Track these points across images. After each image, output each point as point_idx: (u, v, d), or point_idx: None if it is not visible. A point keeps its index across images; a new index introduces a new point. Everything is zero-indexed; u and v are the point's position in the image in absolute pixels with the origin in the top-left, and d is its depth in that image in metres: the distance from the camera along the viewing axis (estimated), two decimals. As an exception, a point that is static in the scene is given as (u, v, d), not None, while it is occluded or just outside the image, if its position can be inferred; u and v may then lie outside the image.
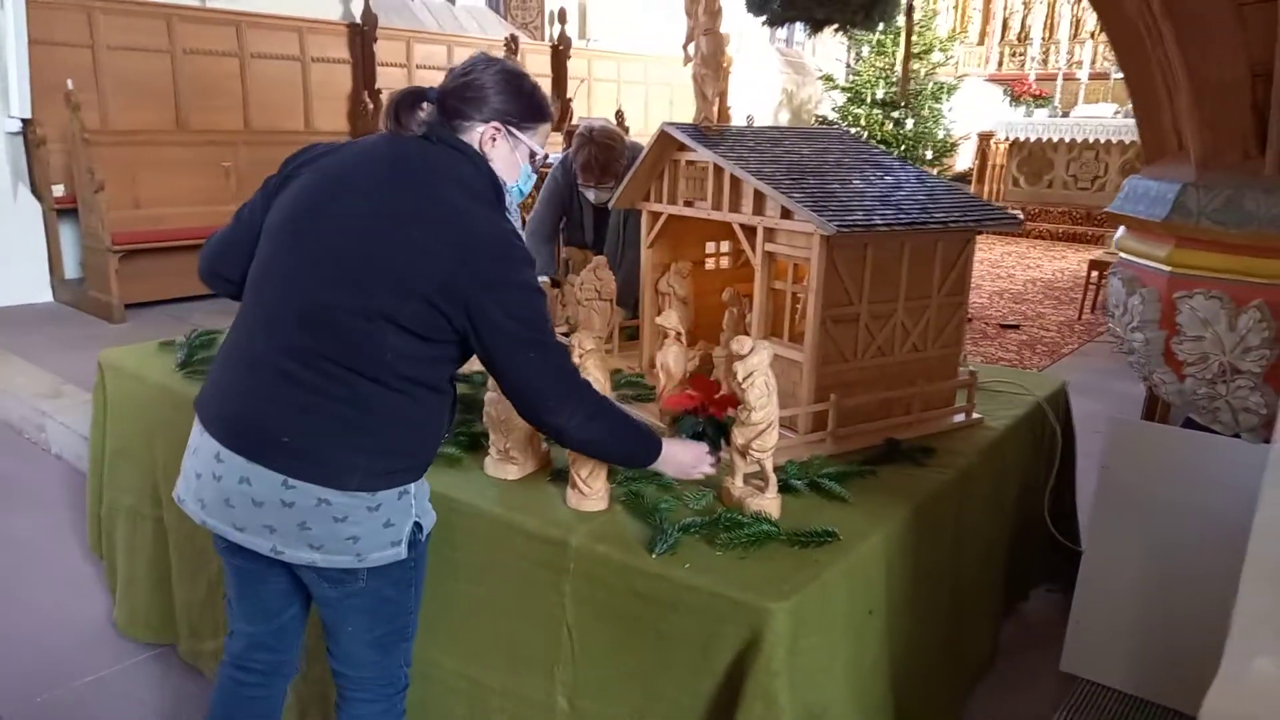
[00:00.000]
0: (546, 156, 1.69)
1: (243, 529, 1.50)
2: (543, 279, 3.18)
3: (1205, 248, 1.83)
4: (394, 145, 1.54)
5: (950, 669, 2.13)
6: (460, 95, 1.55)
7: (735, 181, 2.22)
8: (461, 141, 1.54)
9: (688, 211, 2.41)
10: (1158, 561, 2.25)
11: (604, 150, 3.03)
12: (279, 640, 1.74)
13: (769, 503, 1.69)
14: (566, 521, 1.70)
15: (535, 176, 1.68)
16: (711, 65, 2.25)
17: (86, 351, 3.18)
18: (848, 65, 13.75)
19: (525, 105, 1.59)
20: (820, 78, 13.14)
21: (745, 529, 1.61)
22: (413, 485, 1.56)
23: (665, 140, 2.39)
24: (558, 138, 7.51)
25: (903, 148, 12.26)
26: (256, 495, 1.46)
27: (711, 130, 2.29)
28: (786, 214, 2.07)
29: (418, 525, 1.57)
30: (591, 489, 1.74)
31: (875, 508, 1.79)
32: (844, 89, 12.80)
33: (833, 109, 12.96)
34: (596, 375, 1.70)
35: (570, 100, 9.20)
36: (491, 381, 1.87)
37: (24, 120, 6.23)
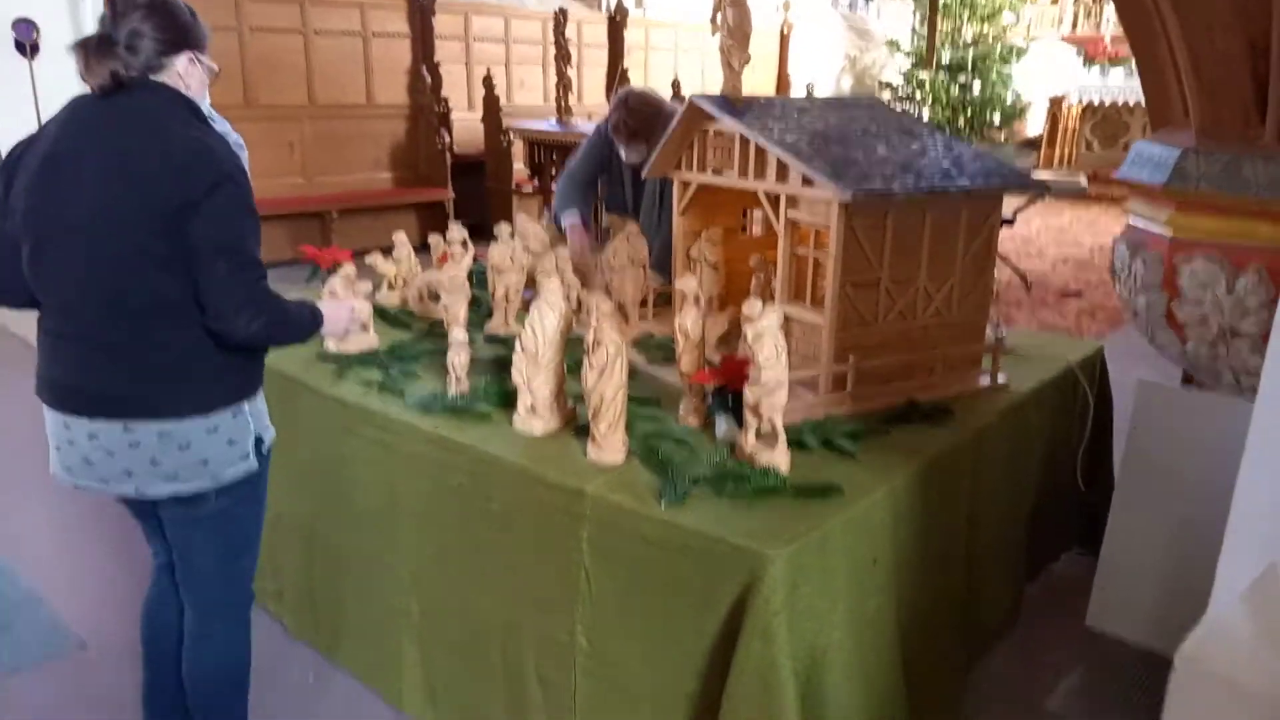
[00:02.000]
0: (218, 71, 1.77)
1: (107, 481, 1.69)
2: (574, 221, 3.34)
3: (1204, 212, 1.83)
4: (85, 107, 1.62)
5: (965, 624, 2.19)
6: (159, 33, 1.62)
7: (760, 150, 2.27)
8: (148, 79, 1.62)
9: (715, 180, 2.47)
10: (1181, 520, 2.26)
11: (634, 116, 3.16)
12: None
13: (778, 457, 1.77)
14: (584, 472, 1.81)
15: None
16: (737, 36, 2.30)
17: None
18: (913, 29, 13.42)
19: (200, 31, 1.70)
20: (886, 43, 12.86)
21: (751, 481, 1.70)
22: (246, 403, 1.74)
23: (694, 111, 2.45)
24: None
25: (969, 112, 11.97)
26: (107, 446, 1.65)
27: (738, 100, 2.35)
28: (808, 182, 2.12)
29: (259, 439, 1.77)
30: (609, 442, 1.84)
31: (883, 464, 1.85)
32: (909, 54, 12.51)
33: (899, 73, 12.69)
34: (613, 336, 1.79)
35: (626, 70, 9.22)
36: (518, 343, 1.99)
37: (104, 98, 6.55)
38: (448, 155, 7.86)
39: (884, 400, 2.18)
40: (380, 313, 2.80)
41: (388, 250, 3.09)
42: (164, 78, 1.65)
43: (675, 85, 8.94)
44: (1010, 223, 6.40)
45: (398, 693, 2.20)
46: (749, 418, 1.83)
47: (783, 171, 2.22)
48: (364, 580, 2.26)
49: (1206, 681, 1.25)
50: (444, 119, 8.03)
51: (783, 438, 1.78)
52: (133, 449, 1.65)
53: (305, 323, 1.81)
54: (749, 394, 1.80)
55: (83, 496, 3.38)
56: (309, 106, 7.52)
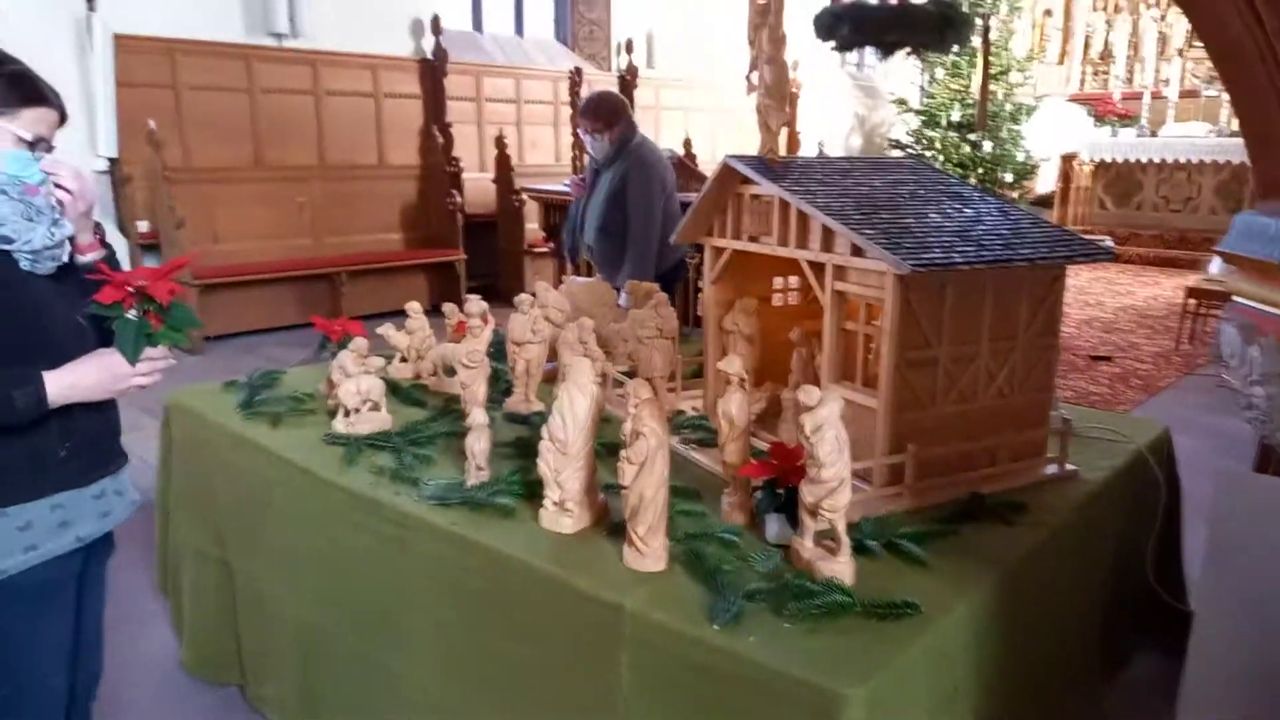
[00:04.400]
0: (49, 145, 1.59)
1: None
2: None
3: (1336, 291, 1.64)
4: None
5: (1043, 746, 1.95)
6: None
7: (803, 215, 2.10)
8: None
9: (753, 247, 2.30)
10: (1278, 625, 2.02)
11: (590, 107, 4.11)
12: None
13: (842, 567, 1.56)
14: (622, 582, 1.59)
15: (36, 161, 1.56)
16: (775, 96, 2.15)
17: (168, 383, 3.22)
18: (921, 88, 13.47)
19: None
20: (893, 101, 12.90)
21: (816, 598, 1.48)
22: None
23: (728, 173, 2.29)
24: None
25: (980, 171, 11.92)
26: None
27: (777, 162, 2.19)
28: (857, 251, 1.95)
29: None
30: (649, 547, 1.63)
31: (959, 573, 1.64)
32: (918, 112, 12.53)
33: (906, 133, 12.70)
34: (654, 426, 1.59)
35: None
36: (545, 431, 1.80)
37: (110, 159, 6.47)
38: (459, 216, 7.76)
39: (945, 492, 1.97)
40: (393, 388, 2.61)
41: (398, 315, 2.92)
42: None
43: (687, 144, 8.89)
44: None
45: (405, 824, 1.96)
46: (805, 519, 1.62)
47: (829, 239, 2.05)
48: (368, 692, 2.03)
49: None
50: (455, 179, 7.96)
51: (847, 544, 1.58)
52: None
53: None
54: (806, 493, 1.59)
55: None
56: (319, 167, 7.45)
